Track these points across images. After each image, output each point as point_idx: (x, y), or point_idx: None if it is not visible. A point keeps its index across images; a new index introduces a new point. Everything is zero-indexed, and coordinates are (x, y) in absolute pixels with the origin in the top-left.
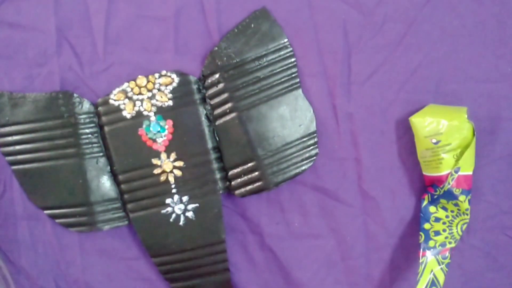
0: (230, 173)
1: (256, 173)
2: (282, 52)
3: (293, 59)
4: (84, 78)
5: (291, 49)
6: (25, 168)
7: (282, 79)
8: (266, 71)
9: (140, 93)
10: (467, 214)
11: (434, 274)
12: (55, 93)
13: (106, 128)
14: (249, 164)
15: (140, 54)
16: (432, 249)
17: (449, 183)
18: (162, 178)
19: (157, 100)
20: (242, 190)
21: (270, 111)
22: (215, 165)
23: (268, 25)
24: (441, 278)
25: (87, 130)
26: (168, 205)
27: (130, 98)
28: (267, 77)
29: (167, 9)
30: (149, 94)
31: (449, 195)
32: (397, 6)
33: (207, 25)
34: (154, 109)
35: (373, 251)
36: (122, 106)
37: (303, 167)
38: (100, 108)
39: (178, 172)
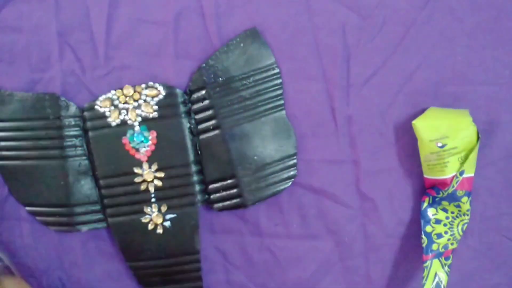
0: (210, 187)
1: (235, 190)
2: (269, 73)
3: (279, 81)
4: (86, 83)
5: (278, 70)
6: (8, 164)
7: (267, 101)
8: (252, 91)
9: (126, 102)
10: (467, 215)
11: (438, 277)
12: (42, 94)
13: (90, 133)
14: (229, 181)
15: (140, 59)
16: (435, 252)
17: (453, 186)
18: (143, 187)
19: (142, 111)
20: (220, 204)
21: (253, 131)
22: (195, 178)
23: (257, 46)
24: (445, 280)
25: (71, 133)
26: (147, 213)
27: (116, 106)
28: (253, 97)
29: (167, 13)
30: (135, 104)
31: (452, 197)
32: (396, 9)
33: (206, 29)
34: (139, 119)
35: (371, 251)
36: (107, 113)
37: (281, 187)
38: (86, 113)
39: (158, 182)
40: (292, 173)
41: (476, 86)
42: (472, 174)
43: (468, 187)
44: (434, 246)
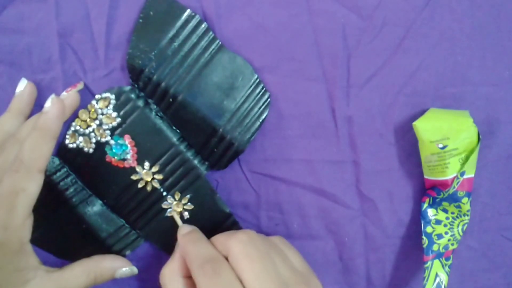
0: (203, 152)
1: (225, 141)
2: (190, 24)
3: (203, 25)
4: (87, 83)
5: (197, 16)
6: (38, 235)
7: (203, 47)
8: (185, 47)
9: (88, 126)
10: (467, 215)
11: (439, 277)
12: None
13: (79, 171)
14: (215, 138)
15: None
16: (436, 253)
17: (454, 187)
18: (148, 188)
19: (106, 124)
20: (221, 162)
21: (208, 81)
22: (188, 153)
23: (165, 5)
24: (445, 280)
25: (67, 182)
26: (166, 208)
27: (83, 135)
28: (189, 51)
29: None
30: (97, 122)
31: (453, 198)
32: (396, 9)
33: None
34: (108, 133)
35: (371, 251)
36: (81, 145)
37: (264, 115)
38: (64, 156)
39: (158, 176)
40: (265, 96)
41: (476, 86)
42: (473, 175)
43: (468, 187)
44: (435, 247)
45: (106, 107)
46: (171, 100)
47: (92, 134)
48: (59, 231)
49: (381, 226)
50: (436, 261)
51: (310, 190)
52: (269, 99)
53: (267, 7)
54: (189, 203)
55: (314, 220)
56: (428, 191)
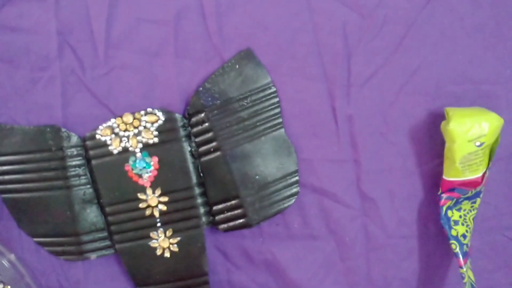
0: (214, 208)
1: (239, 210)
2: (265, 93)
3: (276, 100)
4: (86, 82)
5: (274, 89)
6: (14, 197)
7: (266, 120)
8: (250, 111)
9: (126, 130)
10: (476, 209)
11: (470, 278)
12: (43, 127)
13: (93, 162)
14: (232, 202)
15: (140, 58)
16: (466, 254)
17: (483, 183)
18: (148, 212)
19: (143, 137)
20: (225, 225)
21: (254, 151)
22: (199, 200)
23: (252, 66)
24: (472, 277)
25: (74, 163)
26: (153, 238)
27: (116, 134)
28: (251, 117)
29: (167, 12)
30: (135, 131)
31: (477, 195)
32: (397, 8)
33: (207, 28)
34: (140, 145)
35: (372, 251)
36: (108, 142)
37: (285, 205)
38: (87, 143)
39: (162, 207)
40: (294, 190)
41: (477, 85)
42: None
43: (485, 182)
44: (465, 248)
45: (152, 123)
46: (212, 150)
47: (125, 138)
48: (42, 204)
49: (382, 226)
50: (467, 264)
51: (311, 190)
52: (296, 195)
53: (268, 6)
54: (175, 245)
55: (315, 220)
56: (447, 193)
